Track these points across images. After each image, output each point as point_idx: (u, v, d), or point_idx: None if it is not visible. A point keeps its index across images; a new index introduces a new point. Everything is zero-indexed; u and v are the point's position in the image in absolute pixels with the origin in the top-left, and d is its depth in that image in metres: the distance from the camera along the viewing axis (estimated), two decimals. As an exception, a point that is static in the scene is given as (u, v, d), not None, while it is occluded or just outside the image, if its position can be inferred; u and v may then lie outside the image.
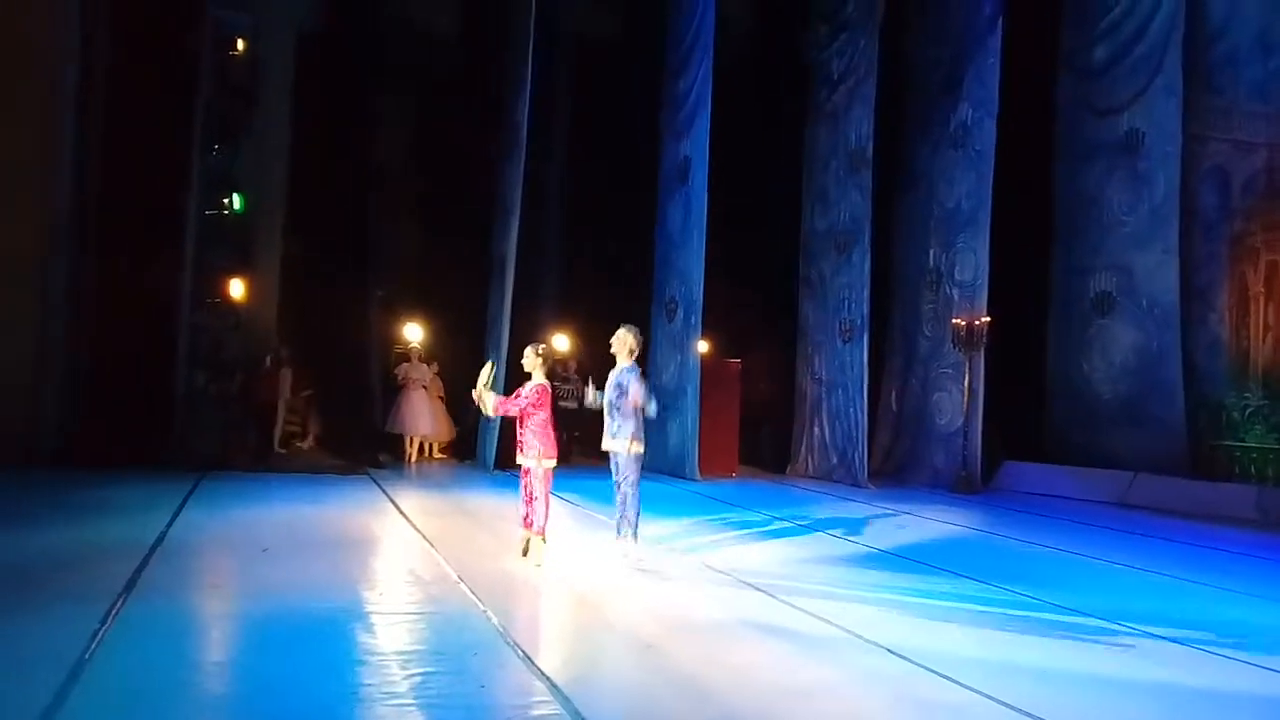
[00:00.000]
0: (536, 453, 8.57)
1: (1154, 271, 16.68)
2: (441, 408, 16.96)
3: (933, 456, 16.77)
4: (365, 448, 16.28)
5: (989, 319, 15.82)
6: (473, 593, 7.36)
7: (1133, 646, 6.83)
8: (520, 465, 8.75)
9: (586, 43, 18.98)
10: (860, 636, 6.59)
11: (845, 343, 16.65)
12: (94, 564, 7.65)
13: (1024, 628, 7.17)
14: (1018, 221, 16.63)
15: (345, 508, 11.50)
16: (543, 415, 8.61)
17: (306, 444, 16.86)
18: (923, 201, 17.45)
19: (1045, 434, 17.79)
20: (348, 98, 17.63)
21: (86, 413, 13.66)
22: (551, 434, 8.69)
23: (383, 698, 5.02)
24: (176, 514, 10.14)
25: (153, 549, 8.33)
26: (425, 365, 16.80)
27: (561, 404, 15.33)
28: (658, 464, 15.20)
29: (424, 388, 16.63)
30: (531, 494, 8.59)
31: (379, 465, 15.45)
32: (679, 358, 16.37)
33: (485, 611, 6.83)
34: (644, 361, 9.51)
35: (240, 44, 15.12)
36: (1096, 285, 17.34)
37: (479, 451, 16.06)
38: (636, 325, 9.11)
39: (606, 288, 16.97)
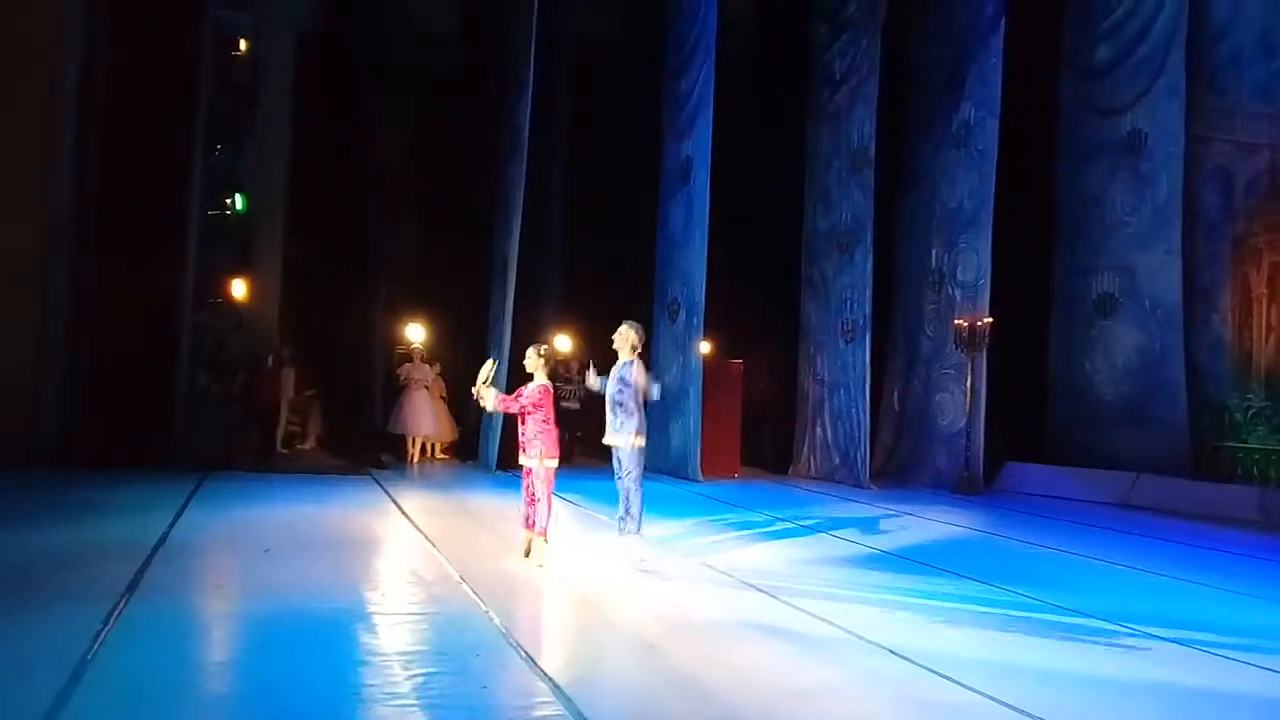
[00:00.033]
0: (539, 453, 8.57)
1: (1156, 272, 16.66)
2: (444, 408, 16.96)
3: (935, 457, 16.75)
4: (367, 448, 16.30)
5: (991, 319, 15.80)
6: (475, 593, 7.35)
7: (1134, 648, 6.82)
8: (522, 466, 8.76)
9: (588, 43, 18.99)
10: (862, 637, 6.58)
11: (847, 343, 16.64)
12: (96, 564, 7.65)
13: (1026, 629, 7.17)
14: (1020, 222, 16.61)
15: (347, 508, 11.50)
16: (544, 415, 8.61)
17: (308, 445, 16.86)
18: (925, 201, 17.43)
19: (1047, 435, 17.77)
20: (349, 98, 17.64)
21: (88, 413, 13.66)
22: (553, 434, 8.69)
23: (385, 698, 5.02)
24: (179, 514, 10.14)
25: (155, 549, 8.33)
26: (427, 366, 16.80)
27: (564, 404, 15.37)
28: (660, 464, 15.19)
29: (426, 388, 16.63)
30: (533, 495, 8.59)
31: (381, 466, 15.45)
32: (681, 358, 16.36)
33: (487, 612, 6.82)
34: (646, 361, 9.50)
35: (241, 44, 15.12)
36: (1099, 286, 17.32)
37: (481, 452, 16.06)
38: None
39: (608, 288, 16.97)
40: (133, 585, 7.02)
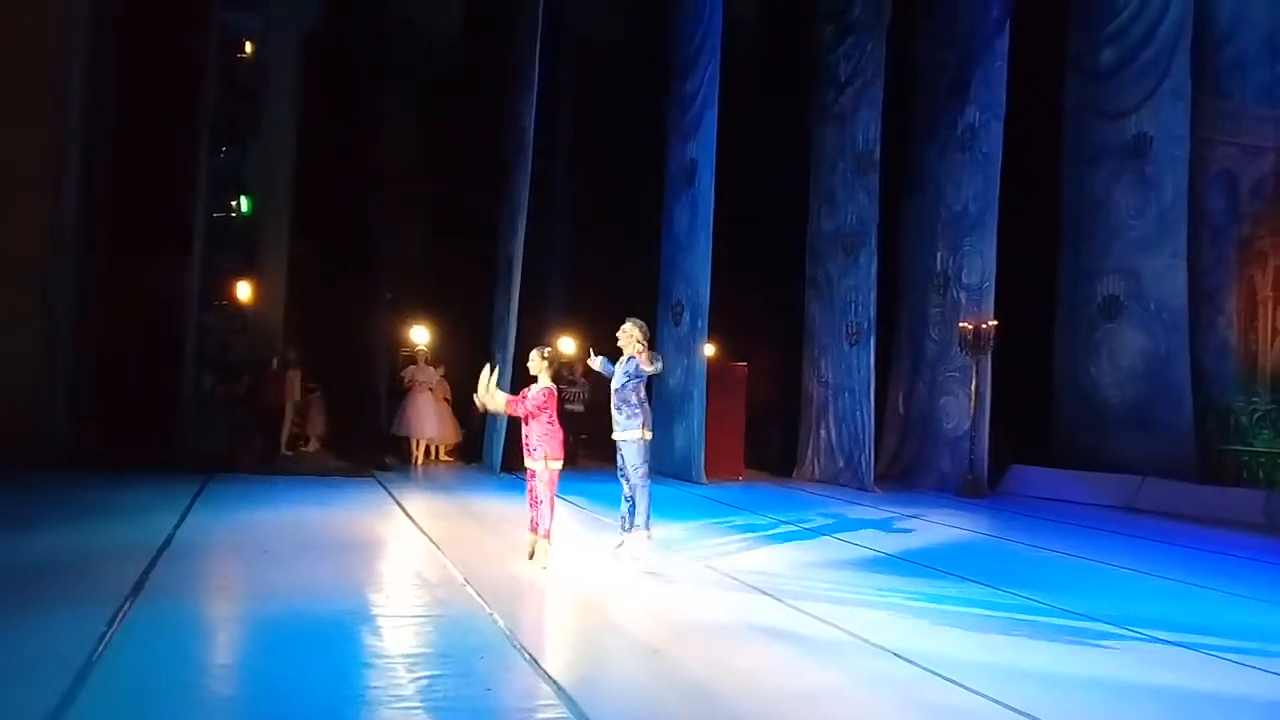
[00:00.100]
0: (544, 455, 8.57)
1: (1162, 275, 16.63)
2: (448, 410, 16.98)
3: (939, 460, 16.73)
4: (371, 450, 16.31)
5: (996, 322, 15.77)
6: (479, 595, 7.35)
7: (1140, 651, 6.80)
8: (527, 469, 8.75)
9: (592, 44, 18.98)
10: (866, 640, 6.57)
11: (852, 345, 16.62)
12: (101, 566, 7.66)
13: (1031, 632, 7.15)
14: (1025, 225, 16.60)
15: (351, 510, 11.51)
16: (548, 418, 8.60)
17: (311, 446, 16.86)
18: (930, 204, 17.42)
19: (1052, 438, 17.74)
20: (353, 99, 17.66)
21: (93, 414, 13.69)
22: (558, 436, 8.69)
23: (389, 701, 5.02)
24: (183, 516, 10.16)
25: (159, 551, 8.34)
26: (432, 368, 16.82)
27: (568, 407, 15.40)
28: (664, 467, 15.19)
29: (430, 390, 16.65)
30: (537, 498, 8.59)
31: (385, 468, 15.47)
32: (685, 361, 16.36)
33: (491, 614, 6.82)
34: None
35: (247, 46, 15.14)
36: (1104, 289, 17.30)
37: (485, 454, 16.07)
38: (642, 327, 9.15)
39: (612, 290, 16.96)
40: (137, 587, 7.03)
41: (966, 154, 16.59)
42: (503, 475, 14.97)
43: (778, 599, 7.73)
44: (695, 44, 16.69)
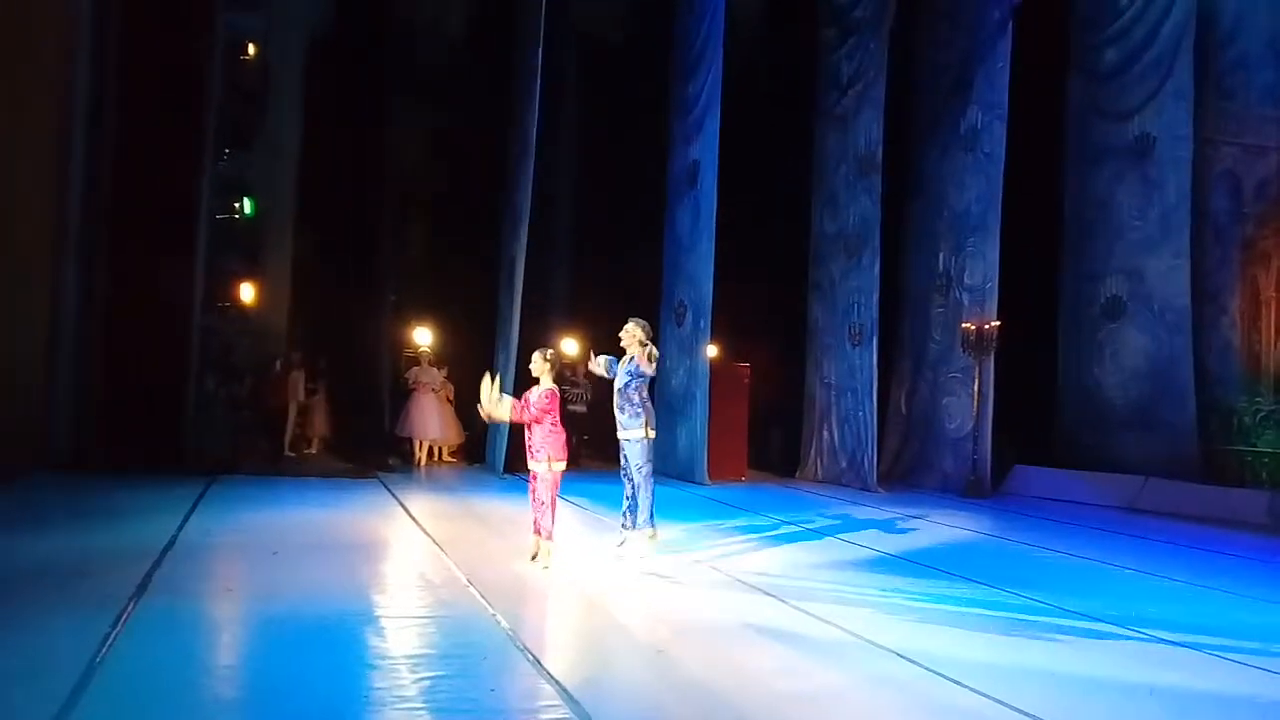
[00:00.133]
0: (546, 456, 8.57)
1: (1165, 276, 16.64)
2: (451, 411, 16.99)
3: (942, 460, 16.74)
4: (375, 451, 16.32)
5: (998, 323, 15.77)
6: (482, 596, 7.36)
7: (1144, 651, 6.80)
8: (530, 471, 8.76)
9: (595, 46, 19.01)
10: (870, 641, 6.57)
11: (854, 346, 16.63)
12: (105, 567, 7.67)
13: (1034, 633, 7.14)
14: (1028, 225, 16.60)
15: (355, 511, 11.52)
16: (551, 421, 8.60)
17: (314, 448, 16.88)
18: (932, 205, 17.41)
19: (1055, 438, 17.74)
20: (357, 101, 17.68)
21: (96, 416, 13.71)
22: (561, 438, 8.69)
23: (393, 701, 5.03)
24: (187, 517, 10.17)
25: (163, 552, 8.35)
26: (435, 369, 16.83)
27: (571, 408, 15.40)
28: (667, 468, 15.20)
29: (434, 391, 16.67)
30: (540, 500, 8.59)
31: (389, 469, 15.49)
32: (688, 362, 16.37)
33: (495, 615, 6.83)
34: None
35: (251, 48, 15.17)
36: (1107, 290, 17.31)
37: (488, 455, 16.09)
38: (645, 328, 9.16)
39: (615, 291, 16.98)
40: (141, 588, 7.04)
41: (969, 155, 16.58)
42: (506, 476, 14.99)
43: (781, 599, 7.73)
44: (698, 45, 16.70)
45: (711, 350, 16.26)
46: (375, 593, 7.58)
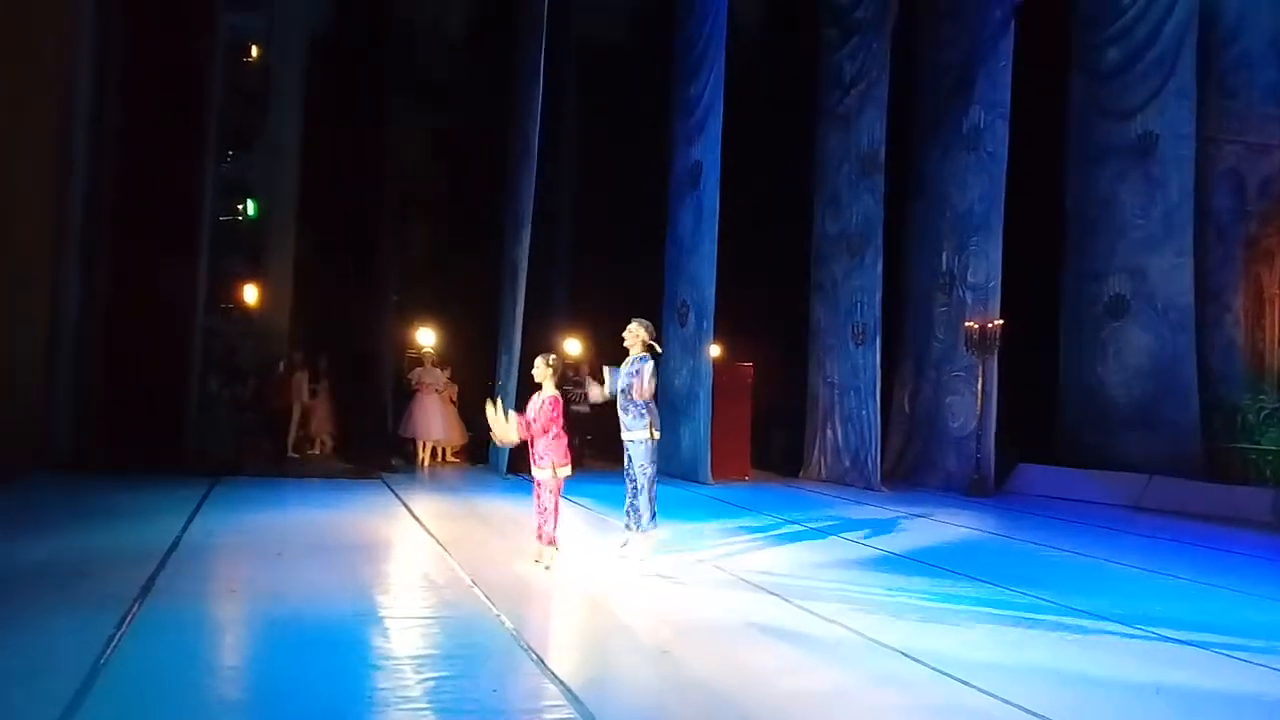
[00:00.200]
0: (550, 463, 8.53)
1: (1168, 274, 16.62)
2: (454, 412, 16.99)
3: (945, 459, 16.72)
4: (378, 452, 16.33)
5: (1001, 322, 15.76)
6: (486, 597, 7.35)
7: (1149, 650, 6.79)
8: (534, 478, 8.72)
9: (597, 47, 19.01)
10: (875, 640, 6.56)
11: (857, 346, 16.61)
12: (109, 568, 7.66)
13: (1040, 631, 7.14)
14: (1030, 224, 16.58)
15: (359, 512, 11.52)
16: (555, 428, 8.57)
17: (316, 450, 16.88)
18: (935, 204, 17.40)
19: (1059, 437, 17.73)
20: (360, 103, 17.69)
21: (99, 417, 13.71)
22: (564, 443, 8.64)
23: (397, 702, 5.02)
24: (190, 519, 10.16)
25: (167, 554, 8.35)
26: (438, 369, 16.83)
27: (574, 408, 15.39)
28: (670, 468, 15.19)
29: (437, 392, 16.67)
30: (543, 506, 8.56)
31: (392, 469, 15.48)
32: (691, 362, 16.36)
33: (498, 615, 6.82)
34: (657, 364, 9.47)
35: (252, 49, 15.17)
36: (1110, 288, 17.29)
37: (491, 456, 16.08)
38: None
39: (618, 291, 16.98)
40: (145, 589, 7.03)
41: (971, 154, 16.56)
42: (509, 477, 14.98)
43: (785, 599, 7.72)
44: (700, 46, 16.70)
45: (714, 350, 16.26)
46: (379, 593, 7.58)
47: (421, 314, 17.46)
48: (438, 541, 9.76)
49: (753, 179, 17.39)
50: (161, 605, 6.68)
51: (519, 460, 13.15)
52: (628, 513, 9.11)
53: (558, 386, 8.81)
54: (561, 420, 8.64)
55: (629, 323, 9.11)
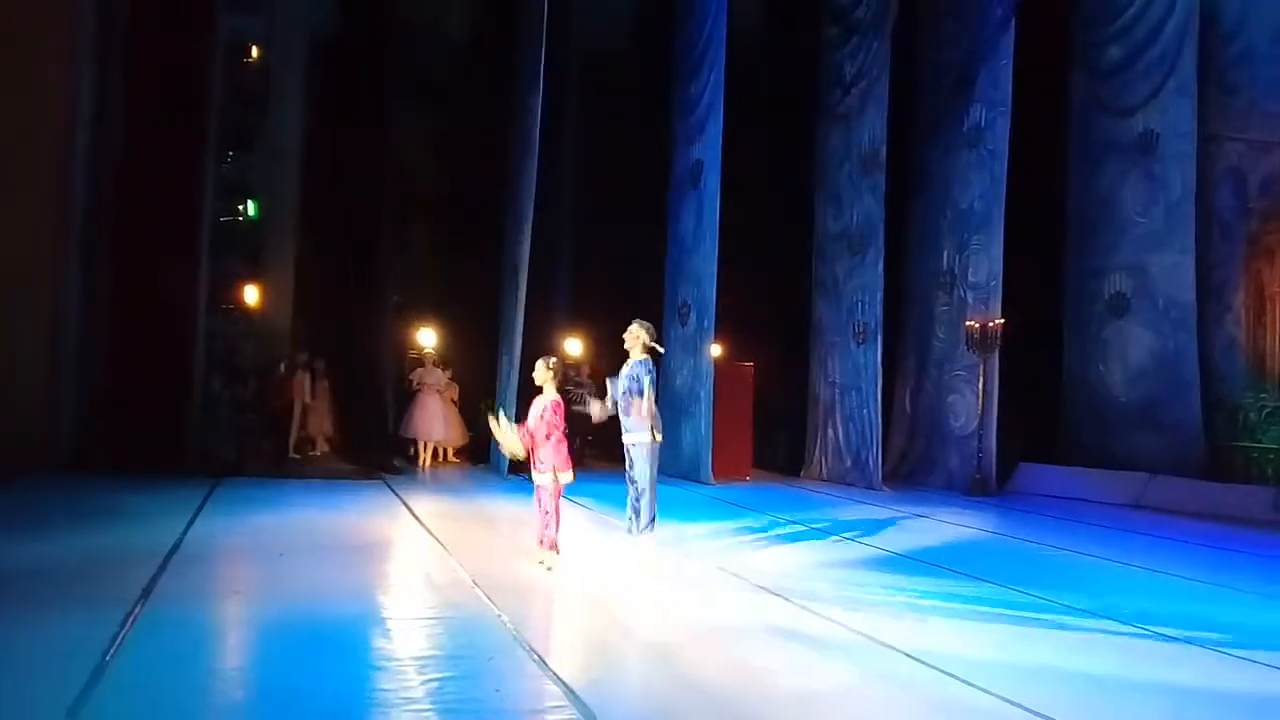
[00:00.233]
0: (551, 467, 8.51)
1: (1170, 272, 16.60)
2: (455, 412, 16.99)
3: (947, 459, 16.71)
4: (379, 453, 16.32)
5: (1003, 321, 15.75)
6: (488, 597, 7.35)
7: (1151, 648, 6.78)
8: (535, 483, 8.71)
9: (598, 47, 18.98)
10: (877, 640, 6.56)
11: (859, 345, 16.61)
12: (110, 570, 7.67)
13: (1042, 631, 7.14)
14: (1032, 223, 16.57)
15: (360, 513, 11.52)
16: (556, 433, 8.56)
17: (317, 450, 16.87)
18: (936, 203, 17.38)
19: (1060, 436, 17.72)
20: (361, 103, 17.67)
21: (101, 419, 13.72)
22: (564, 447, 8.62)
23: (400, 703, 5.03)
24: (192, 520, 10.16)
25: (169, 555, 8.34)
26: (439, 370, 16.83)
27: (575, 409, 15.38)
28: (671, 468, 15.18)
29: (438, 392, 16.67)
30: (545, 509, 8.55)
31: (393, 470, 15.47)
32: (692, 361, 16.36)
33: (500, 616, 6.82)
34: (658, 364, 9.47)
35: (253, 50, 15.15)
36: (1111, 286, 17.27)
37: (492, 456, 16.07)
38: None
39: (618, 291, 16.97)
40: (148, 590, 7.03)
41: (972, 152, 16.55)
42: (510, 477, 14.97)
43: (787, 599, 7.72)
44: (700, 46, 16.69)
45: (715, 350, 16.25)
46: (381, 594, 7.59)
47: (422, 314, 17.45)
48: (439, 542, 9.76)
49: (753, 178, 17.39)
50: (164, 606, 6.68)
51: (520, 461, 13.15)
52: (630, 515, 9.10)
53: (559, 389, 8.80)
54: (563, 425, 8.63)
55: (629, 323, 9.09)
